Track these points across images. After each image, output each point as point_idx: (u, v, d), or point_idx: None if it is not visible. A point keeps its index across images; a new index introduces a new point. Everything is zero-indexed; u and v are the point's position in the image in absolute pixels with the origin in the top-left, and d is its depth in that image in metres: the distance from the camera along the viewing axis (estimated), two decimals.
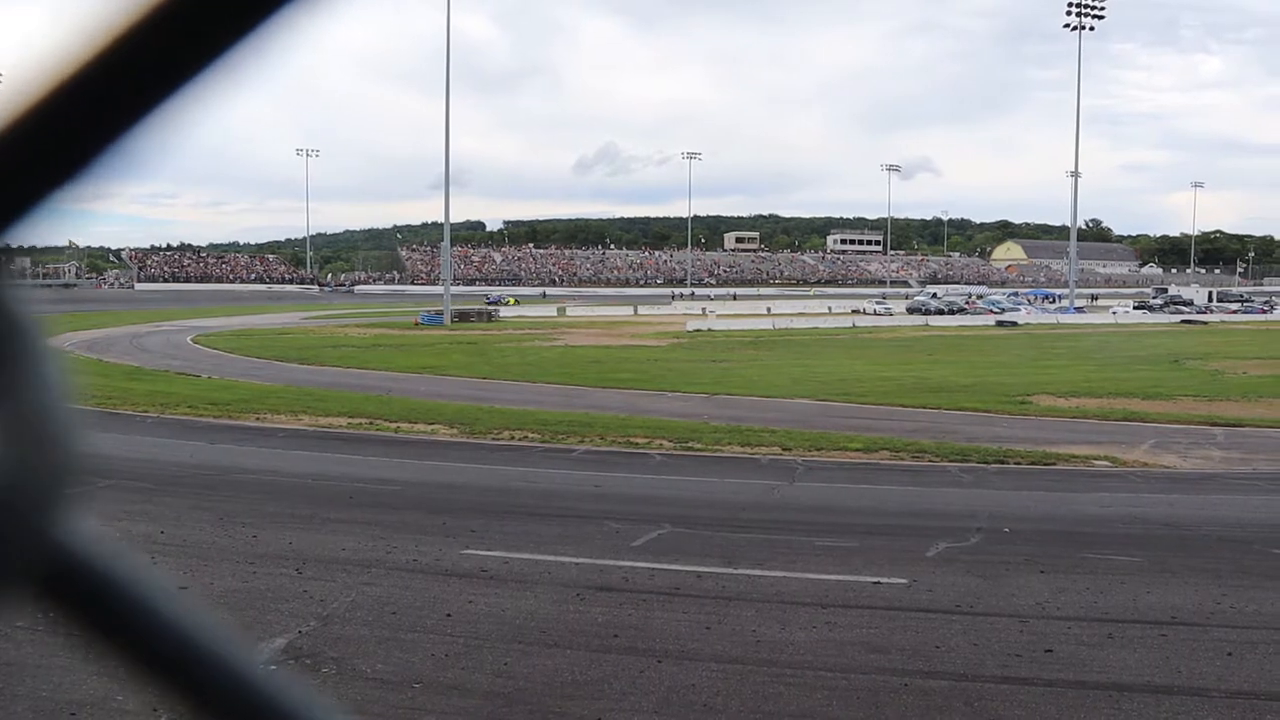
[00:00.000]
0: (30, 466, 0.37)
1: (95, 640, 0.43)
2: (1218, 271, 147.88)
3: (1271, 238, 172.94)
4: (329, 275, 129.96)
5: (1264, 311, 75.77)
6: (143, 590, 0.44)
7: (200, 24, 0.36)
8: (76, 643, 0.43)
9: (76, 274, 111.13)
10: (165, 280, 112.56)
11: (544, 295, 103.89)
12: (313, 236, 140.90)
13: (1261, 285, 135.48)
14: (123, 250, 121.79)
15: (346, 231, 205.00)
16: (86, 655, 0.44)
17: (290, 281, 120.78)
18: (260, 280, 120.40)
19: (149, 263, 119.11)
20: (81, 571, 0.42)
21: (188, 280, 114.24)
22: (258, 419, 18.47)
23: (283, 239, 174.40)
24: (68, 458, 0.38)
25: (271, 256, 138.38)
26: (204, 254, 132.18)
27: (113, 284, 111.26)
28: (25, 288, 0.38)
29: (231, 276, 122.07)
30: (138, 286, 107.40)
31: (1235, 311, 75.12)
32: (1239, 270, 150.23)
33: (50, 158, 0.37)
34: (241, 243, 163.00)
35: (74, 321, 47.11)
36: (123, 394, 21.34)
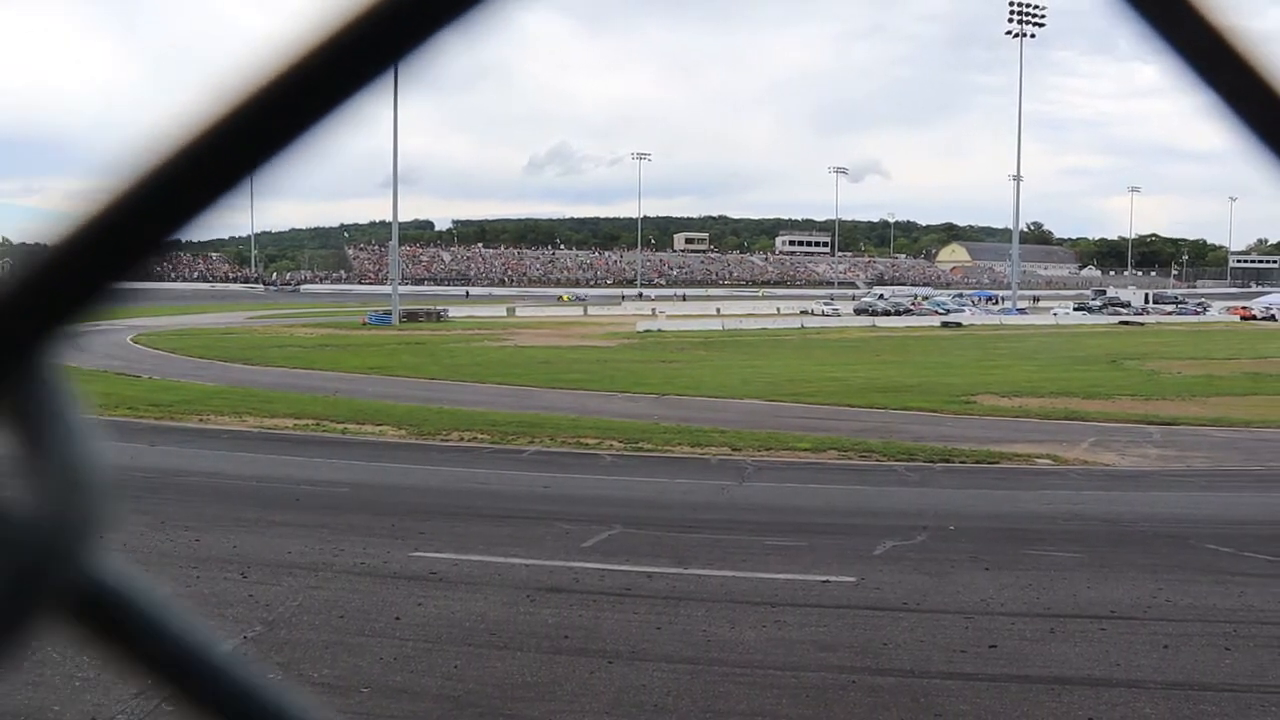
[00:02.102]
0: (68, 509, 0.42)
1: (119, 654, 0.47)
2: (1154, 274, 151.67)
3: (1204, 241, 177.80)
4: (274, 274, 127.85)
5: (1197, 313, 77.92)
6: (161, 611, 0.49)
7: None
8: (103, 656, 0.47)
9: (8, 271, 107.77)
10: None
11: (467, 295, 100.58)
12: (257, 235, 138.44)
13: (1195, 287, 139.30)
14: None
15: (292, 230, 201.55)
16: (115, 667, 0.48)
17: (234, 280, 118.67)
18: (203, 279, 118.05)
19: None
20: (108, 596, 0.47)
21: None
22: (201, 420, 18.12)
23: (226, 237, 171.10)
24: (98, 501, 0.43)
25: (215, 255, 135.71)
26: None
27: None
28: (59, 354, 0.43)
29: (173, 275, 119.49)
30: None
31: (1170, 313, 77.13)
32: (1174, 273, 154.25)
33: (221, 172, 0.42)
34: (183, 240, 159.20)
35: None
36: None
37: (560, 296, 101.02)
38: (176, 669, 0.48)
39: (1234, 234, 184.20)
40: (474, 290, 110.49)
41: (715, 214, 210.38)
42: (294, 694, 0.51)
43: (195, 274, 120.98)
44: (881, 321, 63.54)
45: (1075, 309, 79.88)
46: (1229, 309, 78.40)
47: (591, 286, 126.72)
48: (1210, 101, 0.46)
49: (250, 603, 7.14)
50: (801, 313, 69.97)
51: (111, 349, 36.25)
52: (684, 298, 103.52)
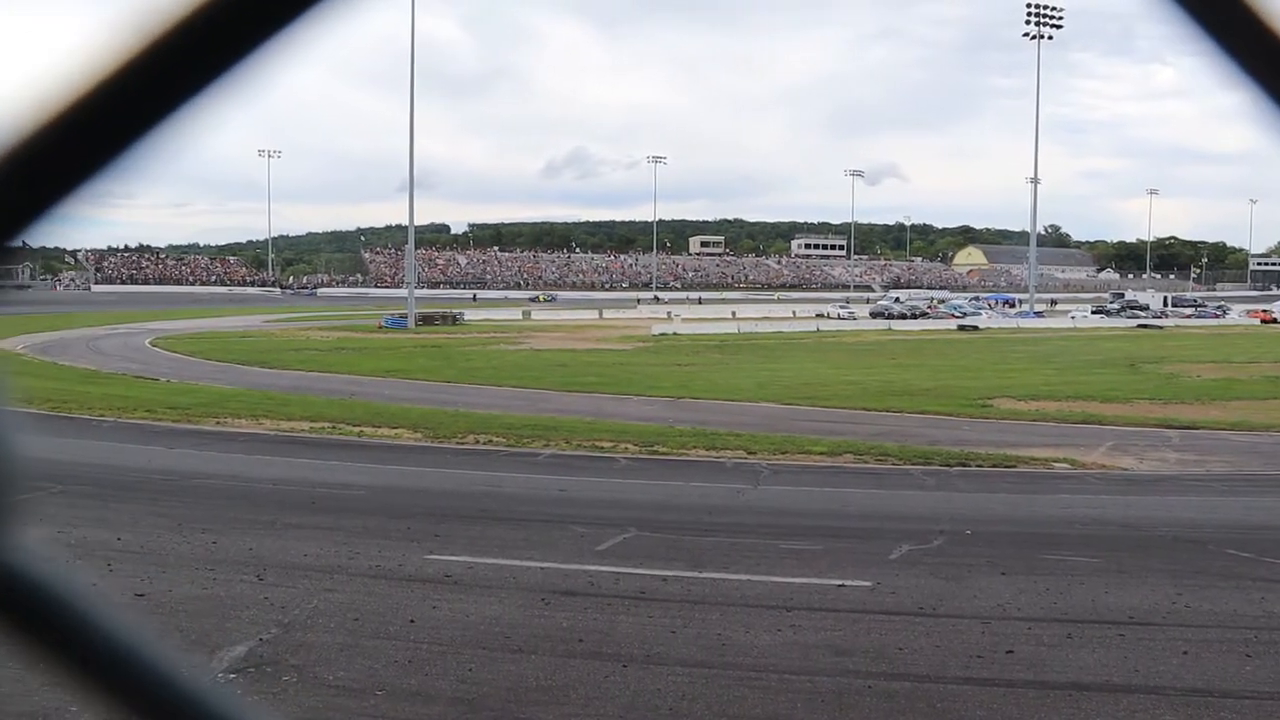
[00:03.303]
0: None
1: (38, 655, 0.43)
2: (1172, 277, 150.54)
3: (1224, 244, 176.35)
4: (291, 278, 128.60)
5: (1217, 316, 77.29)
6: (86, 607, 0.44)
7: (204, 44, 0.38)
8: (20, 655, 0.43)
9: (31, 275, 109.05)
10: (123, 282, 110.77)
11: (474, 299, 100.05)
12: (275, 238, 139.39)
13: (1214, 290, 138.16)
14: (79, 251, 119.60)
15: (309, 234, 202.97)
16: (33, 668, 0.44)
17: (251, 284, 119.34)
18: (221, 282, 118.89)
19: (106, 264, 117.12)
20: (24, 589, 0.43)
21: (146, 282, 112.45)
22: (218, 423, 18.21)
23: (244, 241, 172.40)
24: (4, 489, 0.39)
25: (232, 258, 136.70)
26: (163, 255, 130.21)
27: (68, 285, 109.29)
28: None
29: (191, 278, 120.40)
30: (94, 288, 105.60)
31: (1189, 316, 76.50)
32: (1193, 276, 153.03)
33: (63, 165, 0.39)
34: (202, 244, 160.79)
35: (28, 324, 46.21)
36: (78, 398, 20.95)
37: (537, 297, 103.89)
38: (93, 666, 0.45)
39: (1254, 236, 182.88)
40: (482, 294, 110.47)
41: (731, 217, 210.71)
42: (229, 697, 0.48)
43: (213, 277, 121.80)
44: (897, 325, 63.28)
45: (1093, 312, 79.35)
46: (1249, 312, 77.68)
47: (607, 289, 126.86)
48: (1252, 96, 0.44)
49: (266, 605, 7.17)
50: (817, 316, 69.81)
51: (130, 352, 36.55)
52: (700, 301, 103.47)
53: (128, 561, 8.23)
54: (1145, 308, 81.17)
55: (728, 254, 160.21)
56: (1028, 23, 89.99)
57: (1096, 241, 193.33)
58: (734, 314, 72.52)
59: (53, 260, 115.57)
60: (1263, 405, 22.98)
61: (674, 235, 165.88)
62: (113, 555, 8.39)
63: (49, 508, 9.92)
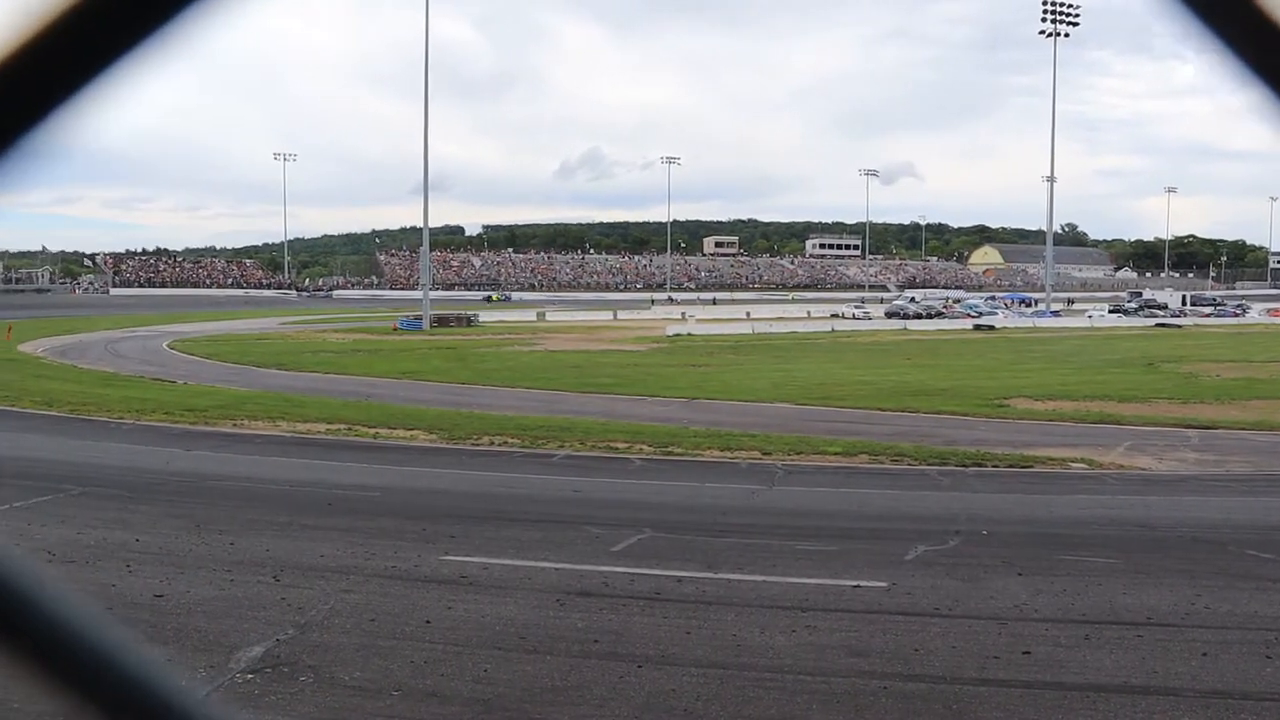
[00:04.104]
0: None
1: (16, 662, 0.44)
2: (1191, 275, 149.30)
3: (1243, 242, 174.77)
4: (306, 280, 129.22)
5: (1237, 315, 76.54)
6: (69, 617, 0.44)
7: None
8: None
9: (50, 279, 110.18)
10: (140, 285, 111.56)
11: (489, 300, 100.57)
12: (290, 241, 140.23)
13: (1234, 289, 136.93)
14: (97, 255, 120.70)
15: (324, 236, 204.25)
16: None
17: (267, 286, 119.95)
18: (237, 285, 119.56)
19: (124, 267, 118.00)
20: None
21: (163, 285, 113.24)
22: (235, 425, 18.31)
23: (260, 243, 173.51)
24: None
25: (248, 261, 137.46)
26: (180, 258, 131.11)
27: (87, 289, 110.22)
28: None
29: (208, 281, 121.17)
30: (112, 291, 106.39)
31: (1209, 315, 75.81)
32: (1212, 274, 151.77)
33: None
34: (218, 247, 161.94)
35: (47, 327, 46.61)
36: (97, 400, 21.13)
37: (490, 296, 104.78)
38: (69, 672, 0.44)
39: (1274, 234, 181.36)
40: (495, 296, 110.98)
41: (745, 217, 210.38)
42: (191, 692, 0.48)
43: (229, 280, 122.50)
44: (913, 324, 62.97)
45: (1111, 311, 78.80)
46: (1269, 311, 76.99)
47: (621, 290, 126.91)
48: (1261, 95, 0.44)
49: (282, 606, 7.21)
50: (832, 316, 69.63)
51: (147, 355, 36.82)
52: (714, 301, 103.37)
53: (146, 562, 8.30)
54: (1163, 306, 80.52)
55: (742, 254, 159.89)
56: (1044, 20, 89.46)
57: (1114, 240, 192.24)
58: (748, 314, 72.43)
59: (71, 264, 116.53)
60: None
61: (688, 236, 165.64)
62: (131, 556, 8.46)
63: (69, 509, 10.01)
